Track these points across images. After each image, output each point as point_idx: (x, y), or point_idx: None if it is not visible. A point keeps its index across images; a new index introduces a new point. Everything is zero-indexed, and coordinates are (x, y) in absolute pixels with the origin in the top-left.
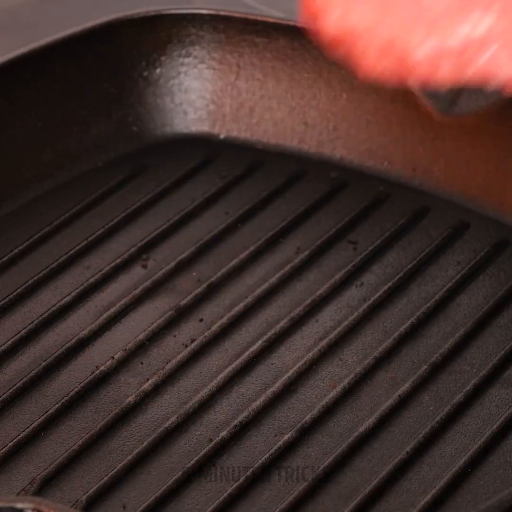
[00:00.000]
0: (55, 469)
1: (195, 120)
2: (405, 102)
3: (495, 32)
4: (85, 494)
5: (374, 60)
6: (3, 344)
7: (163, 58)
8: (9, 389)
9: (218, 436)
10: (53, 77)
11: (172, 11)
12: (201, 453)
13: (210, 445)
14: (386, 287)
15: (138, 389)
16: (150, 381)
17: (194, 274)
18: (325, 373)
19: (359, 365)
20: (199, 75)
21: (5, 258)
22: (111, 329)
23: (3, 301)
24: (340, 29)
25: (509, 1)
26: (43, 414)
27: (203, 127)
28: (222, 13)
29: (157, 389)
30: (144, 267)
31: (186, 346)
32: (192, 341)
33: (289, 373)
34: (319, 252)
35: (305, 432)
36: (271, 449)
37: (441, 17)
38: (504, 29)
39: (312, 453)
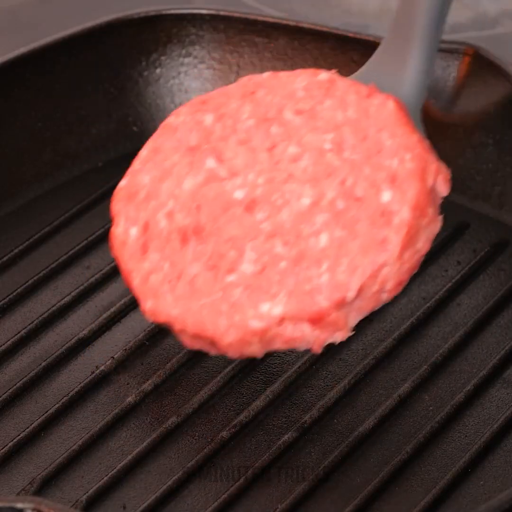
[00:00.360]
0: (55, 469)
1: None
2: None
3: (289, 312)
4: (85, 494)
5: (189, 342)
6: (3, 344)
7: (163, 58)
8: (9, 389)
9: (218, 436)
10: (53, 77)
11: (172, 11)
12: (201, 453)
13: (210, 445)
14: None
15: (138, 389)
16: (150, 381)
17: None
18: (325, 373)
19: (359, 365)
20: (199, 75)
21: (5, 258)
22: (111, 329)
23: (3, 301)
24: (155, 317)
25: (297, 286)
26: (43, 414)
27: None
28: (222, 13)
29: (157, 389)
30: None
31: None
32: None
33: (289, 373)
34: None
35: (305, 432)
36: (271, 449)
37: (241, 301)
38: (295, 309)
39: (312, 453)
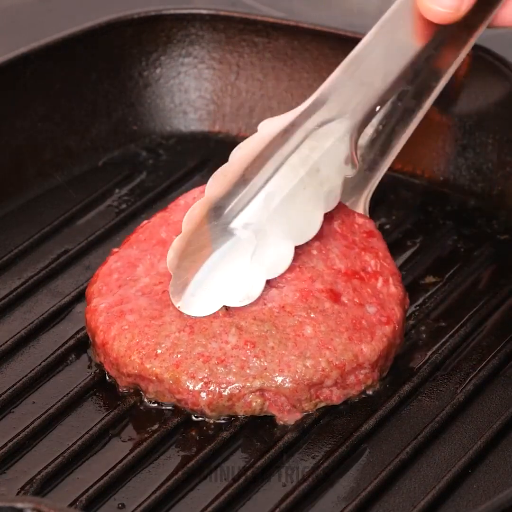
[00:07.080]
0: (55, 469)
1: (195, 120)
2: None
3: (270, 385)
4: (85, 494)
5: (164, 394)
6: (3, 344)
7: (163, 58)
8: (9, 389)
9: (218, 436)
10: (53, 77)
11: (172, 11)
12: (201, 453)
13: (210, 445)
14: None
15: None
16: None
17: None
18: None
19: None
20: (199, 75)
21: (5, 258)
22: None
23: (3, 301)
24: (139, 370)
25: (281, 363)
26: (43, 414)
27: (203, 127)
28: (222, 13)
29: None
30: None
31: None
32: None
33: None
34: None
35: (305, 432)
36: (271, 449)
37: (226, 364)
38: (276, 383)
39: (312, 453)
